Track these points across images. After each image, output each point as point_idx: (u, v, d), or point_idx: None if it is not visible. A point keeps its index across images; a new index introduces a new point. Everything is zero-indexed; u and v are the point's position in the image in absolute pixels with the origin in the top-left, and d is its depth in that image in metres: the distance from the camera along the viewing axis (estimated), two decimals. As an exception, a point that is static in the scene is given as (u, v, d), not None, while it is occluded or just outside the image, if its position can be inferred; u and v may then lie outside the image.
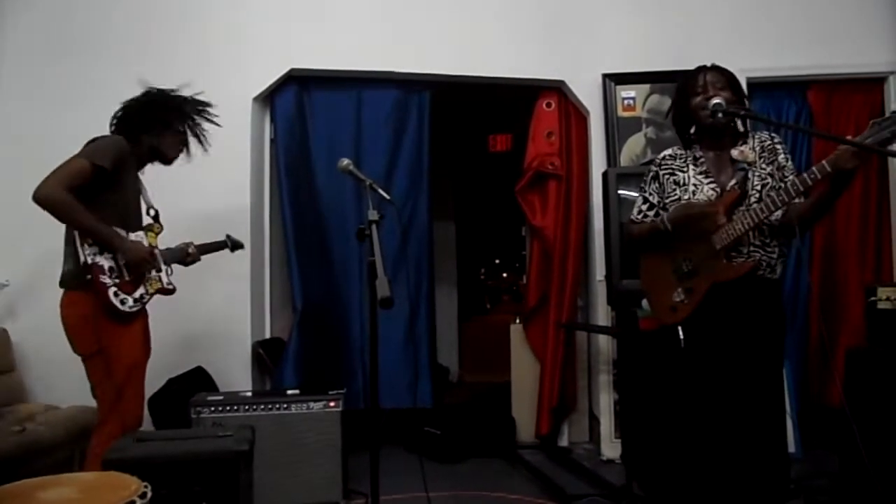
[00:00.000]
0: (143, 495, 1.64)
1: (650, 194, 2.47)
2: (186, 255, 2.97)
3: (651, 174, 2.48)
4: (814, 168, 2.03)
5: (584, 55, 4.16)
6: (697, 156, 2.37)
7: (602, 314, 4.05)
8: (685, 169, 2.37)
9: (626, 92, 4.13)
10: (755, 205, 2.18)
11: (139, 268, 2.59)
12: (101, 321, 2.47)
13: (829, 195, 2.10)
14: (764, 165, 2.27)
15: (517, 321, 4.54)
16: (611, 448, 3.94)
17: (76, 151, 2.56)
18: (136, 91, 2.80)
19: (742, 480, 2.23)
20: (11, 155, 3.86)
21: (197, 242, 3.07)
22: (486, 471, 3.79)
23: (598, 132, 4.15)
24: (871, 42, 4.07)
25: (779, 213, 2.18)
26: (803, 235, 2.21)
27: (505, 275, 12.24)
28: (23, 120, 3.91)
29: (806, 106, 4.20)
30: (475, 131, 6.12)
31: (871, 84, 4.15)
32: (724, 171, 2.31)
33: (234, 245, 3.34)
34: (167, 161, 2.83)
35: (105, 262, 2.50)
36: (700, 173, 2.34)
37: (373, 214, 2.21)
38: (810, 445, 3.76)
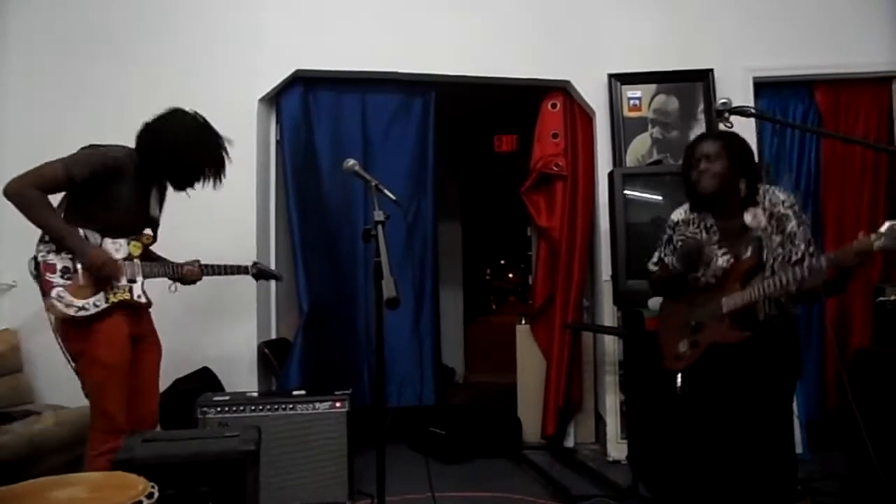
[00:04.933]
0: (150, 495, 1.65)
1: (666, 255, 2.51)
2: (185, 273, 2.81)
3: (666, 237, 2.51)
4: (821, 258, 1.99)
5: (590, 55, 4.16)
6: (709, 224, 2.37)
7: (608, 314, 4.05)
8: (699, 237, 2.38)
9: (632, 92, 4.12)
10: (768, 279, 2.16)
11: (98, 275, 2.47)
12: (74, 324, 2.45)
13: (837, 280, 2.07)
14: (774, 235, 2.24)
15: (523, 322, 4.54)
16: (617, 449, 3.93)
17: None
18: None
19: (749, 481, 2.23)
20: (17, 154, 3.85)
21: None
22: (492, 471, 3.79)
23: (604, 132, 4.14)
24: (879, 41, 4.05)
25: (794, 288, 2.12)
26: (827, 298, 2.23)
27: (510, 275, 12.25)
28: (28, 119, 3.93)
29: (813, 105, 4.18)
30: (480, 132, 6.13)
31: (879, 83, 4.13)
32: (737, 240, 2.30)
33: (261, 274, 3.19)
34: (178, 189, 2.78)
35: (58, 261, 2.45)
36: (713, 243, 2.34)
37: (378, 215, 2.21)
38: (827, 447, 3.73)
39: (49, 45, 4.00)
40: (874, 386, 2.77)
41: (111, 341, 2.50)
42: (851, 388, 2.74)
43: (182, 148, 2.63)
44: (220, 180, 2.79)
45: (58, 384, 3.64)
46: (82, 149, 2.57)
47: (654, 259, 2.57)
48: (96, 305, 2.48)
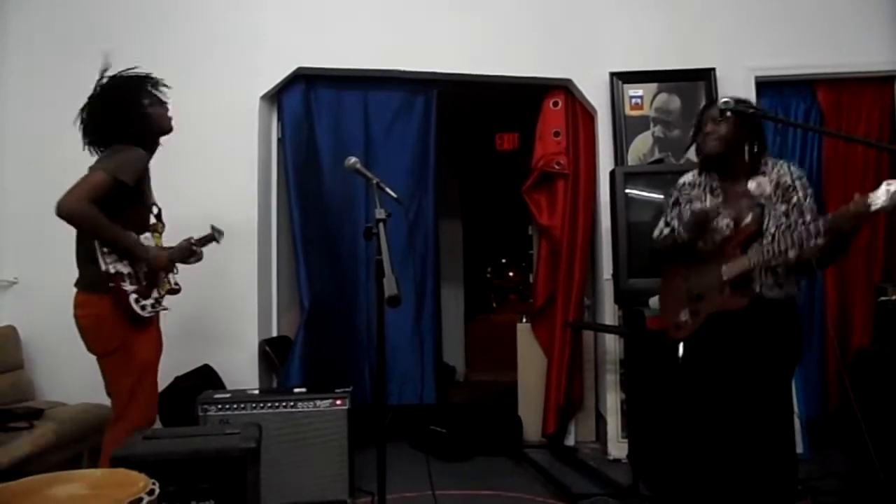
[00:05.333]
0: (150, 492, 1.65)
1: (671, 218, 2.52)
2: (191, 254, 2.94)
3: (672, 199, 2.53)
4: (819, 223, 2.03)
5: (592, 53, 4.15)
6: (714, 186, 2.39)
7: (609, 313, 4.05)
8: (703, 199, 2.40)
9: (634, 90, 4.12)
10: (766, 244, 2.18)
11: (161, 275, 2.65)
12: (120, 322, 2.50)
13: (834, 246, 2.10)
14: (779, 204, 2.26)
15: (524, 320, 4.54)
16: (617, 447, 3.93)
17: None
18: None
19: (749, 480, 2.23)
20: (20, 154, 3.89)
21: (210, 246, 3.02)
22: (492, 469, 3.79)
23: (606, 131, 4.14)
24: (880, 41, 4.04)
25: (793, 253, 2.16)
26: (822, 270, 2.22)
27: (511, 274, 12.23)
28: (28, 119, 3.93)
29: (815, 104, 4.17)
30: (482, 130, 6.12)
31: (881, 82, 4.12)
32: (740, 205, 2.31)
33: (220, 234, 3.19)
34: (168, 131, 2.79)
35: (124, 269, 2.53)
36: (716, 206, 2.36)
37: (380, 213, 2.21)
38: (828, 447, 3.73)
39: (49, 44, 4.00)
40: (875, 386, 2.77)
41: (147, 341, 2.60)
42: (852, 387, 2.74)
43: (135, 103, 2.69)
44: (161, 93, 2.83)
45: (59, 381, 3.66)
46: (106, 154, 2.58)
47: (660, 227, 2.58)
48: (158, 302, 2.64)
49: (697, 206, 2.40)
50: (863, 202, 1.90)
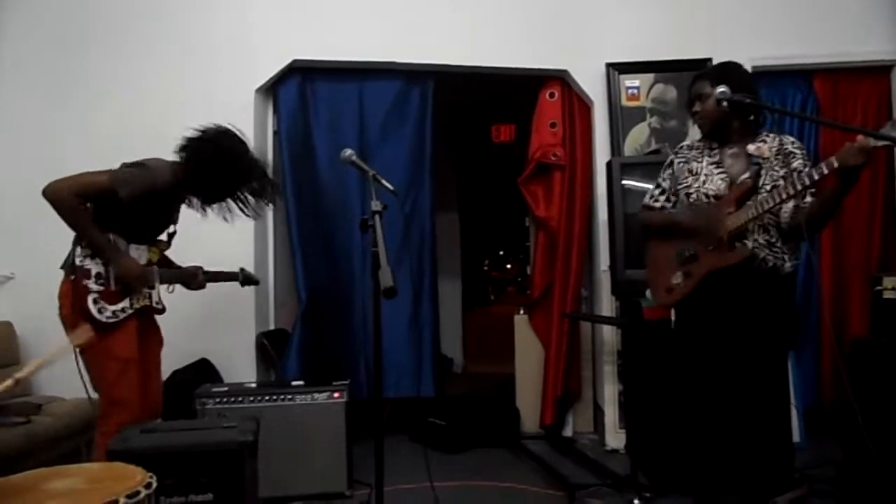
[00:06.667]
0: (148, 486, 1.65)
1: (664, 179, 2.54)
2: (192, 280, 2.91)
3: (668, 161, 2.55)
4: (822, 164, 2.04)
5: (588, 44, 4.14)
6: (713, 146, 2.41)
7: (606, 304, 4.05)
8: (700, 159, 2.42)
9: (631, 81, 4.10)
10: (765, 194, 2.19)
11: (128, 286, 2.56)
12: (79, 317, 2.46)
13: (836, 192, 2.11)
14: (777, 167, 2.27)
15: (521, 311, 4.55)
16: (615, 438, 3.94)
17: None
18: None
19: (746, 469, 2.24)
20: (15, 149, 3.87)
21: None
22: (491, 461, 3.80)
23: (602, 122, 4.13)
24: (877, 30, 4.03)
25: (787, 215, 2.17)
26: (812, 237, 2.20)
27: (509, 266, 12.24)
28: (26, 114, 3.91)
29: (812, 94, 4.17)
30: (478, 122, 6.11)
31: (878, 72, 4.11)
32: (737, 164, 2.33)
33: (247, 280, 3.23)
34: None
35: (94, 267, 2.50)
36: (712, 163, 2.38)
37: (376, 205, 2.20)
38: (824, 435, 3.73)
39: (43, 40, 3.97)
40: (871, 375, 2.78)
41: (124, 337, 2.56)
42: (848, 377, 2.74)
43: (232, 168, 2.62)
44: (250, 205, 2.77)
45: (54, 376, 3.63)
46: (128, 165, 2.57)
47: (652, 191, 2.57)
48: (123, 311, 2.56)
49: (695, 166, 2.40)
50: (866, 139, 1.94)
